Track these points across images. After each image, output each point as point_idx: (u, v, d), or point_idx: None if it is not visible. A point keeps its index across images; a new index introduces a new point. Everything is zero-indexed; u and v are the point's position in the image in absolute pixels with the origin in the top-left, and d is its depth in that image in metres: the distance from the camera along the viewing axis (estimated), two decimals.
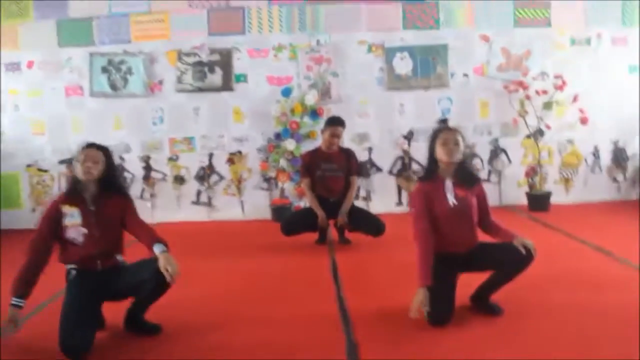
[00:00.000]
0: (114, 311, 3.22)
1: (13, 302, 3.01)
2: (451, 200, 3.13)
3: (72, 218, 3.10)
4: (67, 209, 3.12)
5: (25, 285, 3.03)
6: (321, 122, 6.33)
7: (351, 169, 5.18)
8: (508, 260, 3.08)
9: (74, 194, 3.17)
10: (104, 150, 3.22)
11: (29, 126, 6.65)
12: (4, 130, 6.64)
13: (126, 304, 3.14)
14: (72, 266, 3.16)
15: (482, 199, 3.28)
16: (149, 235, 3.09)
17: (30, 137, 6.65)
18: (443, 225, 3.14)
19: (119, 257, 3.26)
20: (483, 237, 3.32)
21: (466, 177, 3.22)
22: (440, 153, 3.14)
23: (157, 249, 2.96)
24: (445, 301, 3.10)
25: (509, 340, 2.85)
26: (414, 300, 2.99)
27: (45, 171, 6.66)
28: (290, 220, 5.20)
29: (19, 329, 2.99)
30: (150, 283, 2.96)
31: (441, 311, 3.07)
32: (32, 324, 3.30)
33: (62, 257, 3.17)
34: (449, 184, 3.17)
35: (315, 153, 5.24)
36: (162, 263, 2.86)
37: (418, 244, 3.07)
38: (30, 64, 6.60)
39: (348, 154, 5.25)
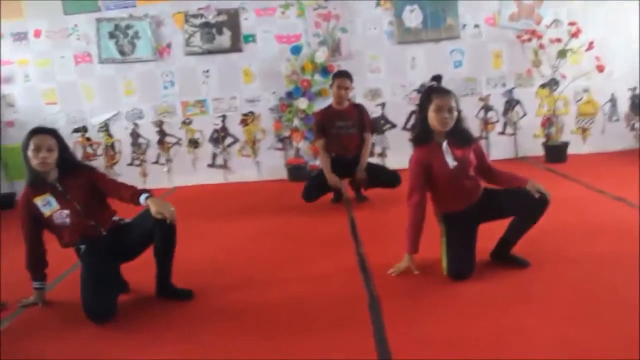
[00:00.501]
0: (139, 275, 3.26)
1: (35, 286, 3.19)
2: (451, 163, 3.08)
3: (50, 206, 3.06)
4: (39, 200, 3.06)
5: (35, 270, 3.16)
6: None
7: (364, 124, 5.13)
8: (522, 206, 3.04)
9: (38, 184, 3.09)
10: (54, 134, 3.11)
11: (41, 96, 6.67)
12: (16, 100, 6.68)
13: (146, 266, 3.15)
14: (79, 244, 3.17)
15: (479, 154, 3.23)
16: (130, 191, 3.06)
17: (42, 107, 6.68)
18: (446, 187, 3.12)
19: (116, 218, 3.25)
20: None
21: (461, 136, 3.14)
22: (433, 120, 3.04)
23: (143, 198, 2.96)
24: (465, 255, 3.11)
25: (529, 291, 2.85)
26: (401, 263, 3.14)
27: None
28: (310, 187, 5.12)
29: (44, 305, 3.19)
30: (156, 231, 2.98)
31: (461, 265, 3.08)
32: (57, 291, 3.40)
33: (63, 242, 3.17)
34: (445, 146, 3.10)
35: (328, 111, 5.16)
36: (153, 210, 2.89)
37: (410, 215, 3.08)
38: (37, 33, 6.58)
39: (360, 109, 5.20)
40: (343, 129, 5.08)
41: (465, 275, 3.07)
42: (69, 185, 3.09)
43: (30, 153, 3.01)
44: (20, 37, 6.58)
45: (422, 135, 3.14)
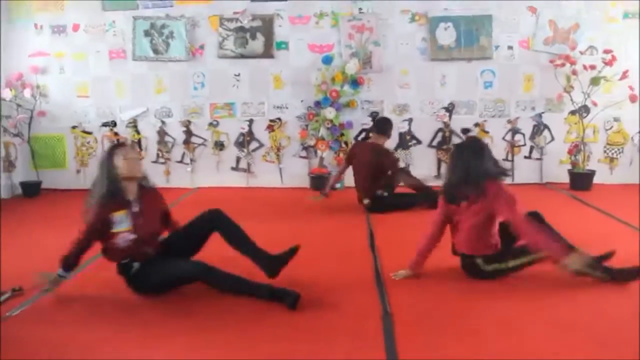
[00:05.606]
0: None
1: (59, 273, 3.17)
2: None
3: (120, 225, 3.07)
4: (117, 216, 3.07)
5: (67, 266, 3.15)
6: (361, 92, 6.47)
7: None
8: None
9: (117, 199, 3.09)
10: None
11: (74, 89, 6.73)
12: (50, 92, 6.76)
13: None
14: (126, 260, 3.16)
15: (496, 204, 3.22)
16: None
17: (74, 99, 6.75)
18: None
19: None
20: None
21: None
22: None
23: None
24: None
25: (549, 314, 2.81)
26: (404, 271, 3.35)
27: (89, 133, 6.79)
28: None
29: (54, 290, 3.20)
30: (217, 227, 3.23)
31: None
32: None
33: (108, 256, 3.20)
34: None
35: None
36: None
37: (424, 241, 3.36)
38: (75, 27, 6.66)
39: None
40: None
41: None
42: (145, 209, 3.16)
43: (119, 162, 3.06)
44: (59, 30, 6.66)
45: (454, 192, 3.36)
